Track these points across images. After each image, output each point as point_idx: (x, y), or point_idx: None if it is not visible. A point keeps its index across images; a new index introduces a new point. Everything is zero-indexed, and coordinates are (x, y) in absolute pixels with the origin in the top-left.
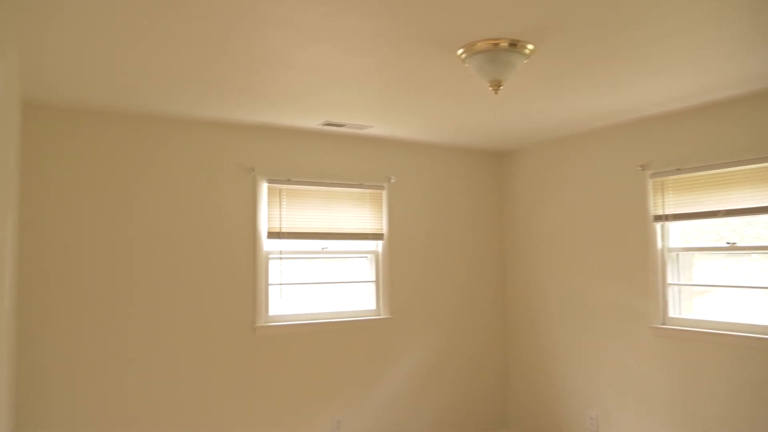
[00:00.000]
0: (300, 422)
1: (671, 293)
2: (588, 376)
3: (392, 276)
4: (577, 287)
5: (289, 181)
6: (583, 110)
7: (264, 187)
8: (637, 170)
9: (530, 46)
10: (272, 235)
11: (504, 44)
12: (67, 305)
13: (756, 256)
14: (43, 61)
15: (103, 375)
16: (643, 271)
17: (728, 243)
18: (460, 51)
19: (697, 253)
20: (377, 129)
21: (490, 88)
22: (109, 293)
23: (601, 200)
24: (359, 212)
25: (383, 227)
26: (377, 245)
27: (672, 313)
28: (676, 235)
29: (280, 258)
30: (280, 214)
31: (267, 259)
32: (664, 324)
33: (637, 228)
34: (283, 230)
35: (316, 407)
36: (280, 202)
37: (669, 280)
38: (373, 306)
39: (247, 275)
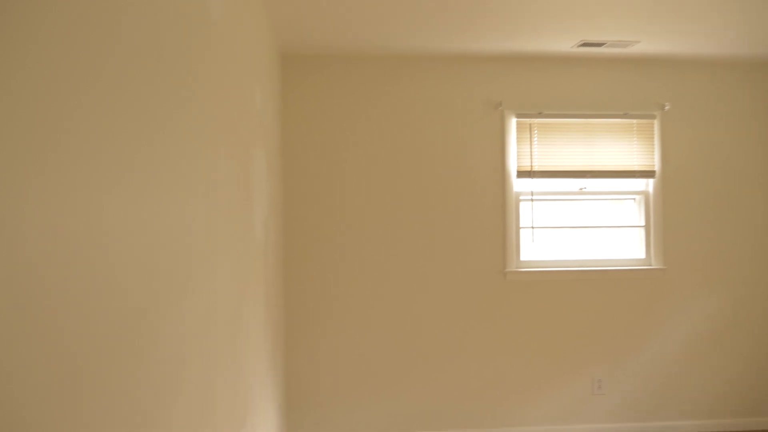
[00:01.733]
0: (554, 377)
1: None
2: None
3: (666, 220)
4: None
5: (540, 115)
6: None
7: (513, 123)
8: None
9: None
10: (522, 174)
11: None
12: (322, 245)
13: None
14: (296, 12)
15: (354, 314)
16: None
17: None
18: None
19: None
20: (645, 45)
21: None
22: (360, 231)
23: None
24: (624, 146)
25: (655, 163)
26: (647, 184)
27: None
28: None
29: (532, 200)
30: (531, 152)
31: (517, 201)
32: None
33: None
34: (535, 169)
35: (574, 363)
36: (531, 138)
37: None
38: (641, 254)
39: (496, 217)
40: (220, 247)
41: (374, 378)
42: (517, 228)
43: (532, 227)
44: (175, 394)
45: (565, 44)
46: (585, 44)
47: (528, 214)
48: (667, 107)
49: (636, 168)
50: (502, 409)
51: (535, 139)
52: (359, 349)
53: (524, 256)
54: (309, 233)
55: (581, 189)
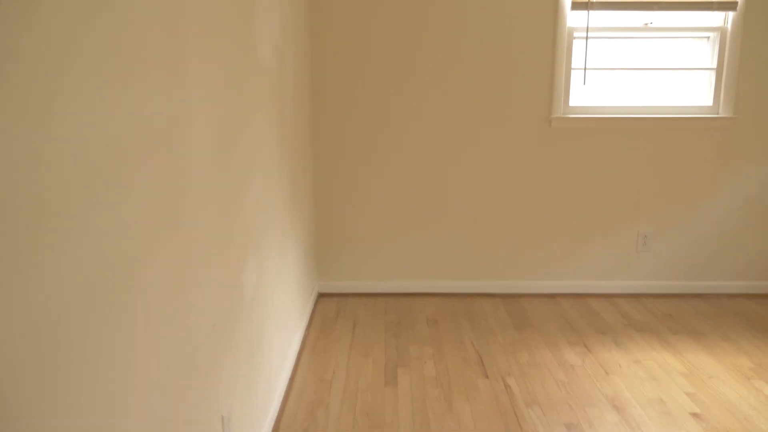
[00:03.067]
0: (598, 232)
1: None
2: None
3: (743, 62)
4: None
5: None
6: None
7: None
8: None
9: None
10: (578, 5)
11: None
12: (351, 85)
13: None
14: None
15: (386, 161)
16: None
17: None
18: None
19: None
20: None
21: None
22: (392, 68)
23: None
24: None
25: None
26: (726, 19)
27: None
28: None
29: (587, 36)
30: None
31: (570, 37)
32: None
33: None
34: None
35: (619, 218)
36: None
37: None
38: (708, 101)
39: (543, 56)
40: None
41: (407, 226)
42: (568, 69)
43: (585, 68)
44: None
45: None
46: None
47: (581, 53)
48: None
49: None
50: (539, 262)
51: None
52: (392, 196)
53: (573, 101)
54: (337, 73)
55: (646, 24)
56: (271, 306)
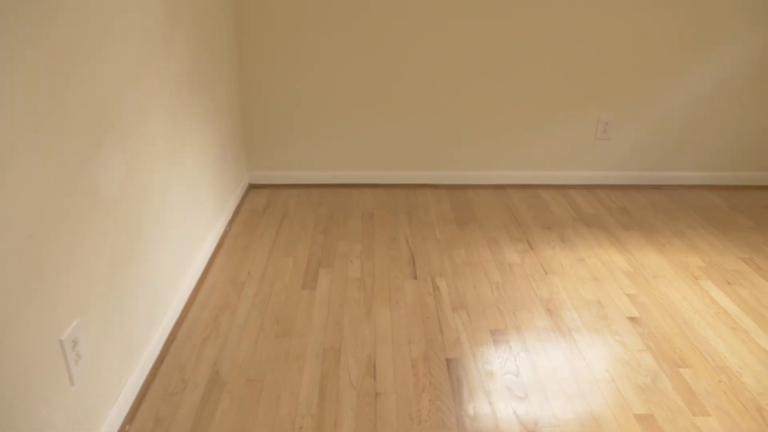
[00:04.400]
0: (555, 116)
1: None
2: None
3: None
4: None
5: None
6: None
7: None
8: None
9: None
10: None
11: None
12: None
13: None
14: None
15: (328, 47)
16: None
17: None
18: None
19: None
20: None
21: None
22: None
23: None
24: None
25: None
26: None
27: None
28: None
29: None
30: None
31: None
32: None
33: None
34: None
35: (578, 102)
36: None
37: None
38: None
39: None
40: None
41: (347, 113)
42: None
43: None
44: None
45: None
46: None
47: None
48: None
49: None
50: (490, 151)
51: None
52: (331, 80)
53: None
54: None
55: None
56: (160, 205)
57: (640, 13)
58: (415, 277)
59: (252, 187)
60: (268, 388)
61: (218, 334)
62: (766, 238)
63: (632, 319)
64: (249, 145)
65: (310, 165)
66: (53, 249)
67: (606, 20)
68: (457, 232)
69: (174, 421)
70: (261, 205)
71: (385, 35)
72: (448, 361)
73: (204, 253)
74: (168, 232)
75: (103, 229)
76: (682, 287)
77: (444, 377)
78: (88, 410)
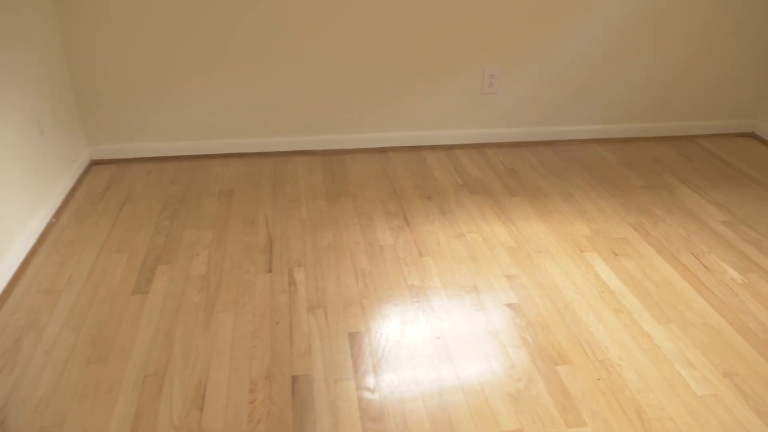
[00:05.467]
0: (437, 70)
1: None
2: None
3: None
4: None
5: None
6: None
7: None
8: None
9: None
10: None
11: None
12: None
13: None
14: None
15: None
16: None
17: None
18: None
19: None
20: None
21: None
22: None
23: None
24: None
25: None
26: None
27: None
28: None
29: None
30: None
31: None
32: None
33: None
34: None
35: (462, 53)
36: None
37: None
38: None
39: None
40: None
41: (204, 73)
42: None
43: None
44: None
45: None
46: None
47: None
48: None
49: None
50: (369, 111)
51: None
52: (184, 35)
53: None
54: None
55: None
56: None
57: None
58: (270, 270)
59: (94, 164)
60: None
61: (14, 365)
62: (655, 197)
63: (511, 306)
64: (86, 115)
65: (165, 134)
66: None
67: None
68: (327, 208)
69: None
70: (102, 186)
71: None
72: (294, 379)
73: (12, 256)
74: None
75: None
76: (566, 263)
77: (286, 402)
78: None
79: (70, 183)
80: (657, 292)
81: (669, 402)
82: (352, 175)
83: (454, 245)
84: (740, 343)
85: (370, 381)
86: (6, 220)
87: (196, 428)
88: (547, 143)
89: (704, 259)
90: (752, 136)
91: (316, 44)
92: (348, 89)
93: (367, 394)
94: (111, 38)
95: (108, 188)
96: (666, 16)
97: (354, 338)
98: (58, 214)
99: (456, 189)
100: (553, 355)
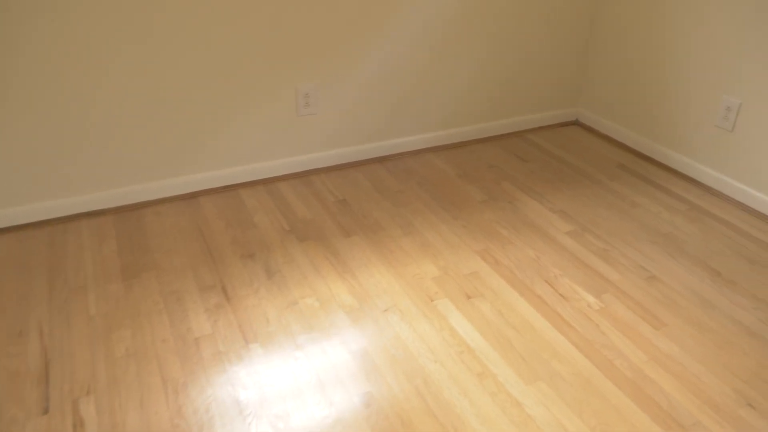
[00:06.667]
0: (242, 94)
1: None
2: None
3: None
4: None
5: None
6: None
7: None
8: None
9: None
10: None
11: None
12: None
13: None
14: None
15: None
16: None
17: None
18: None
19: None
20: None
21: None
22: None
23: None
24: None
25: None
26: None
27: None
28: None
29: None
30: None
31: None
32: None
33: None
34: None
35: (269, 72)
36: None
37: None
38: None
39: None
40: None
41: None
42: None
43: None
44: None
45: None
46: None
47: None
48: None
49: None
50: (169, 152)
51: None
52: None
53: None
54: None
55: None
56: None
57: None
58: (46, 410)
59: None
60: None
61: None
62: (497, 213)
63: (362, 396)
64: None
65: None
66: None
67: None
68: (123, 294)
69: None
70: None
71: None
72: None
73: None
74: None
75: None
76: (418, 320)
77: None
78: None
79: None
80: (519, 339)
81: None
82: (154, 237)
83: (287, 319)
84: (611, 392)
85: None
86: None
87: None
88: (379, 160)
89: (558, 285)
90: (576, 123)
91: (89, 81)
92: (139, 129)
93: None
94: None
95: None
96: (480, 15)
97: None
98: None
99: (282, 237)
100: None
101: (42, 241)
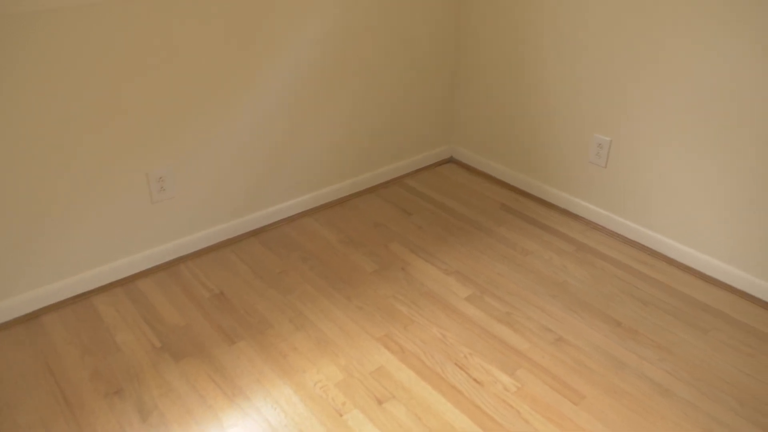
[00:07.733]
0: (77, 189)
1: None
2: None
3: None
4: None
5: None
6: None
7: None
8: None
9: None
10: None
11: None
12: None
13: None
14: None
15: None
16: None
17: None
18: None
19: None
20: None
21: None
22: None
23: None
24: None
25: None
26: None
27: None
28: None
29: None
30: None
31: None
32: None
33: None
34: None
35: (112, 158)
36: None
37: None
38: None
39: None
40: None
41: None
42: None
43: None
44: None
45: None
46: None
47: None
48: None
49: None
50: None
51: None
52: None
53: None
54: None
55: None
56: None
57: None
58: None
59: None
60: None
61: None
62: (393, 286)
63: None
64: None
65: None
66: None
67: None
68: None
69: None
70: None
71: None
72: None
73: None
74: None
75: None
76: None
77: None
78: None
79: None
80: None
81: None
82: None
83: None
84: None
85: None
86: None
87: None
88: (253, 233)
89: (470, 368)
90: (451, 161)
91: None
92: None
93: None
94: None
95: None
96: (339, 73)
97: None
98: None
99: (154, 359)
100: None
101: None
